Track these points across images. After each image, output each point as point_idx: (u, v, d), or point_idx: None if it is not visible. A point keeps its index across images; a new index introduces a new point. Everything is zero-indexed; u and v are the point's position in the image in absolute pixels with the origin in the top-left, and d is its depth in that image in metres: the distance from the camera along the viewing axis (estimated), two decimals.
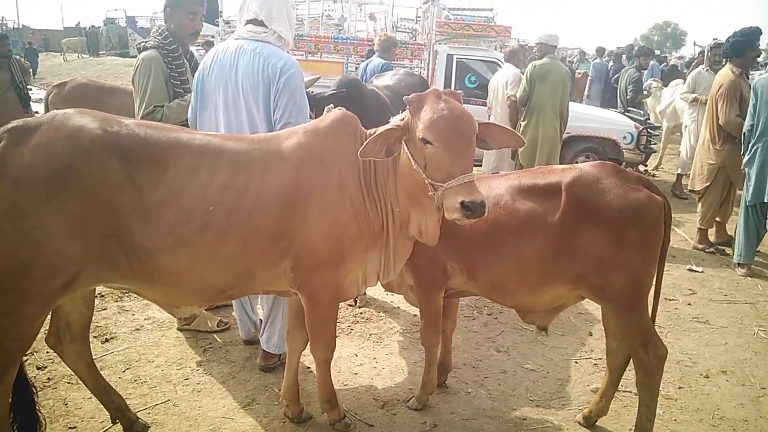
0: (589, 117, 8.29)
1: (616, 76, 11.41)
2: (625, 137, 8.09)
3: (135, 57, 4.07)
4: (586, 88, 13.58)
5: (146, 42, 3.82)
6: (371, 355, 3.77)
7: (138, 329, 4.05)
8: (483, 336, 4.09)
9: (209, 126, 3.28)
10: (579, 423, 3.13)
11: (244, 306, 3.76)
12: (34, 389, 2.72)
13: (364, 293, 4.32)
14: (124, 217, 2.33)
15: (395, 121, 2.51)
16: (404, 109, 2.51)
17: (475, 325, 4.24)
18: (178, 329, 4.01)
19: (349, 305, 4.45)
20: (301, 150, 2.56)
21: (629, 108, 9.53)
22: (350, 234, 2.61)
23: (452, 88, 7.45)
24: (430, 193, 2.38)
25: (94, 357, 2.92)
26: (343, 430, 3.00)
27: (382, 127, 2.49)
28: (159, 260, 2.41)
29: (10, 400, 2.54)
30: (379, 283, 2.94)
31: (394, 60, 6.97)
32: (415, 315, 4.34)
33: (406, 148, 2.47)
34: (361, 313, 4.34)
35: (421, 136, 2.34)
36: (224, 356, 3.72)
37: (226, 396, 3.30)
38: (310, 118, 3.27)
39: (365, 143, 2.42)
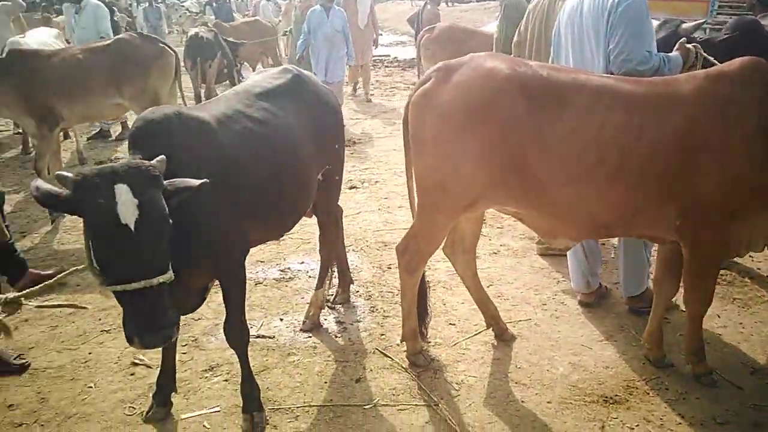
0: None
1: None
2: None
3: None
4: None
5: None
6: (736, 319, 3.58)
7: (495, 253, 4.53)
8: None
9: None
10: None
11: (584, 268, 3.67)
12: (428, 287, 3.32)
13: None
14: (525, 149, 2.64)
15: None
16: None
17: None
18: (539, 254, 4.36)
19: None
20: (702, 95, 2.52)
21: None
22: (747, 189, 2.52)
23: None
24: None
25: None
26: (708, 384, 2.97)
27: None
28: (551, 192, 2.67)
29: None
30: None
31: None
32: None
33: None
34: (722, 275, 4.10)
35: None
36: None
37: (583, 327, 3.53)
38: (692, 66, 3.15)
39: None
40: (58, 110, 5.25)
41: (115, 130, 8.25)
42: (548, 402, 2.90)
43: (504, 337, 3.39)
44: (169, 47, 5.97)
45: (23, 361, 3.22)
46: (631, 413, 2.81)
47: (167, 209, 2.03)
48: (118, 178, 1.94)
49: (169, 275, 2.06)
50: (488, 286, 4.02)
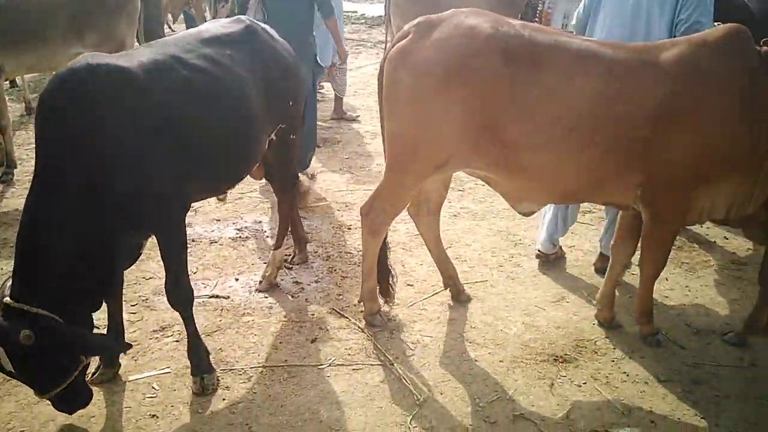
0: None
1: None
2: None
3: None
4: None
5: None
6: (683, 283, 3.70)
7: (456, 215, 4.54)
8: None
9: (600, 30, 3.34)
10: None
11: (554, 230, 3.75)
12: (388, 248, 3.31)
13: None
14: (500, 112, 2.61)
15: None
16: None
17: None
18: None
19: None
20: (683, 63, 2.51)
21: None
22: (717, 158, 2.54)
23: None
24: None
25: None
26: (653, 345, 3.06)
27: None
28: (524, 156, 2.66)
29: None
30: None
31: None
32: (734, 253, 4.08)
33: None
34: None
35: None
36: (533, 253, 3.98)
37: (537, 288, 3.60)
38: None
39: None
40: (1, 62, 4.72)
41: None
42: (500, 361, 2.95)
43: (460, 298, 3.42)
44: None
45: None
46: (580, 371, 2.89)
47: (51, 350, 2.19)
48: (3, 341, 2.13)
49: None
50: (447, 248, 4.00)
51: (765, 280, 2.95)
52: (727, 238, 4.24)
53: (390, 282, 3.28)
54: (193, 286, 3.36)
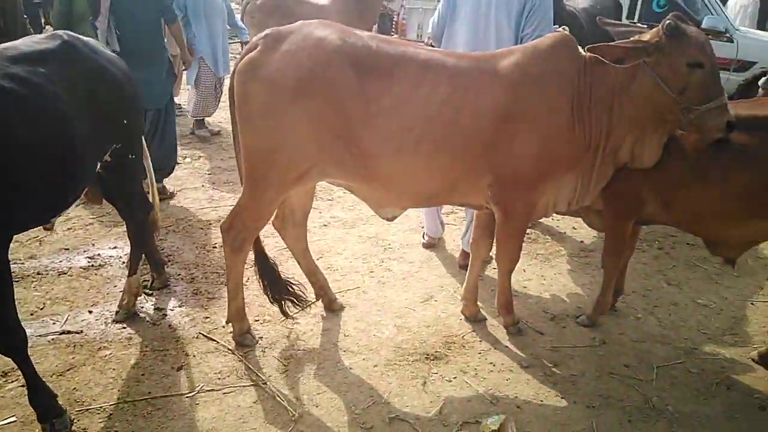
0: None
1: None
2: None
3: None
4: None
5: None
6: (539, 273, 3.96)
7: (326, 225, 4.53)
8: (653, 268, 4.10)
9: (455, 39, 3.49)
10: (753, 360, 3.13)
11: (436, 216, 4.18)
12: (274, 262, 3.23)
13: None
14: (353, 121, 2.63)
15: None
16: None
17: (644, 257, 4.25)
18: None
19: None
20: (519, 70, 2.68)
21: None
22: (555, 156, 2.73)
23: (637, 11, 7.02)
24: (673, 117, 2.54)
25: None
26: (515, 333, 3.25)
27: (631, 40, 2.60)
28: (379, 164, 2.70)
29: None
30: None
31: None
32: (582, 241, 4.43)
33: (649, 73, 2.53)
34: (528, 234, 4.49)
35: (691, 61, 2.45)
36: (402, 256, 4.08)
37: (407, 290, 3.67)
38: None
39: (608, 45, 2.56)
40: None
41: None
42: (375, 365, 2.97)
43: (333, 308, 3.41)
44: None
45: None
46: (450, 366, 2.98)
47: None
48: None
49: None
50: (318, 258, 4.00)
51: (606, 264, 3.21)
52: (575, 228, 4.60)
53: (295, 291, 3.23)
54: (40, 324, 3.15)
